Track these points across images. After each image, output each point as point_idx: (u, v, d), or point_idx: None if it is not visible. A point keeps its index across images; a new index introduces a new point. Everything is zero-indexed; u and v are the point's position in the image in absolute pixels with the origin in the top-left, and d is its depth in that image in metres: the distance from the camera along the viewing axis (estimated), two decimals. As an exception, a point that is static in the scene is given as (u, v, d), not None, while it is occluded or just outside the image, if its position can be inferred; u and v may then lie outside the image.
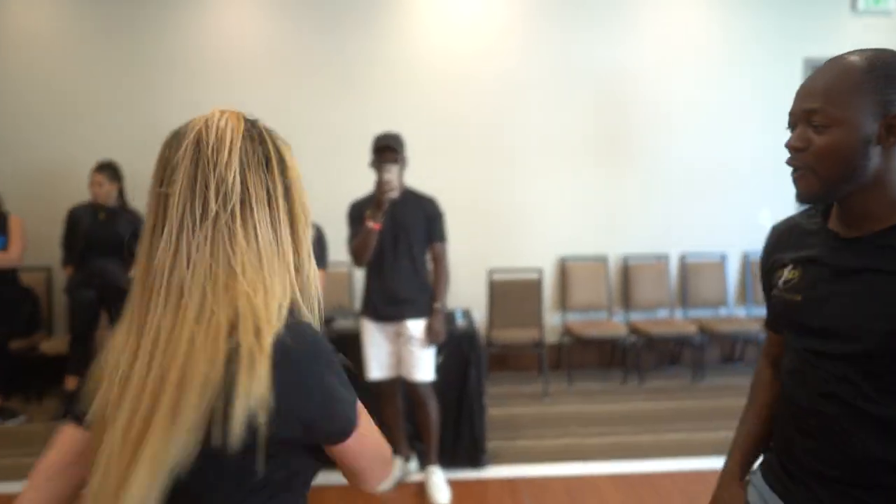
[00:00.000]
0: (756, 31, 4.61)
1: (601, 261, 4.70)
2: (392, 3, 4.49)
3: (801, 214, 1.14)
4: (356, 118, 4.37)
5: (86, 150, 4.29)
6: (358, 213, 2.83)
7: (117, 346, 0.83)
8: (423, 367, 2.84)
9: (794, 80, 4.58)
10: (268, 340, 0.74)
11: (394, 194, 2.64)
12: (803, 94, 1.00)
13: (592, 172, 4.65)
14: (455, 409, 3.13)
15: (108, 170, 3.85)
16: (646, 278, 4.68)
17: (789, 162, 1.01)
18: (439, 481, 2.85)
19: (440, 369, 2.96)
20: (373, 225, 2.67)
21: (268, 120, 0.96)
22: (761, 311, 4.42)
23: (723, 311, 4.76)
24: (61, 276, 4.44)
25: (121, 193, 3.95)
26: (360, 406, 0.87)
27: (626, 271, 4.69)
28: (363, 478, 0.94)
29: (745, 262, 4.78)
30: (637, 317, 4.67)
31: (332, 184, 3.74)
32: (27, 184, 4.38)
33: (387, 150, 2.76)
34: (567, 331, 4.53)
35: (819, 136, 0.96)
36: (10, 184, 4.19)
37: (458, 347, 3.14)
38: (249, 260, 0.79)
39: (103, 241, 3.82)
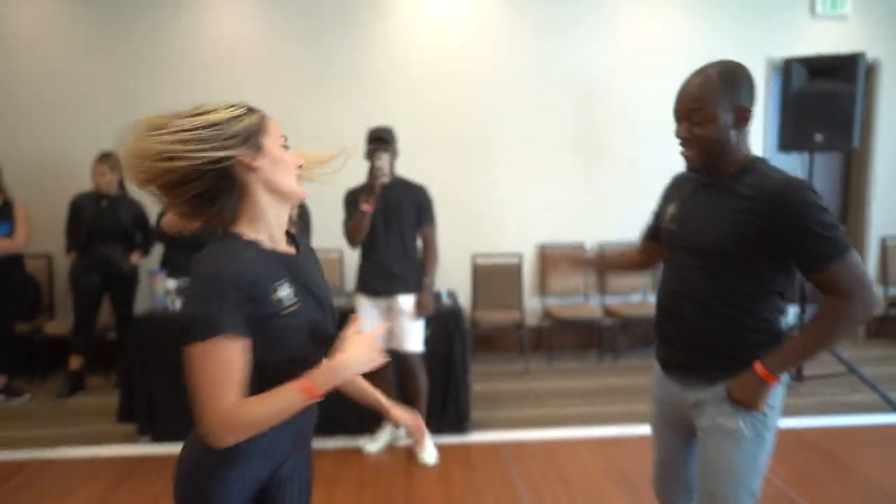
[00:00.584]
0: (720, 33, 4.91)
1: (578, 248, 4.98)
2: (378, 5, 4.72)
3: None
4: (346, 113, 4.60)
5: (85, 142, 4.46)
6: (353, 199, 3.08)
7: None
8: (413, 338, 3.09)
9: (756, 80, 4.90)
10: None
11: (385, 180, 2.90)
12: (683, 98, 1.47)
13: (570, 165, 4.92)
14: (442, 383, 3.38)
15: (110, 160, 4.03)
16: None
17: (681, 144, 1.51)
18: (428, 444, 3.10)
19: (427, 343, 3.21)
20: (366, 207, 2.92)
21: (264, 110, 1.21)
22: None
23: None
24: (62, 263, 4.61)
25: (121, 183, 4.13)
26: (210, 333, 1.05)
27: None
28: (194, 399, 1.08)
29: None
30: (612, 300, 4.96)
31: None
32: (28, 173, 4.54)
33: (379, 140, 3.03)
34: (547, 314, 4.80)
35: (698, 128, 1.45)
36: (13, 173, 4.34)
37: (443, 325, 3.38)
38: None
39: (106, 228, 4.01)
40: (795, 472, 2.87)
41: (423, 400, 3.16)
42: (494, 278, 4.75)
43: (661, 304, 1.62)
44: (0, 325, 3.90)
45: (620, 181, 4.94)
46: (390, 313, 3.10)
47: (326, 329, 1.21)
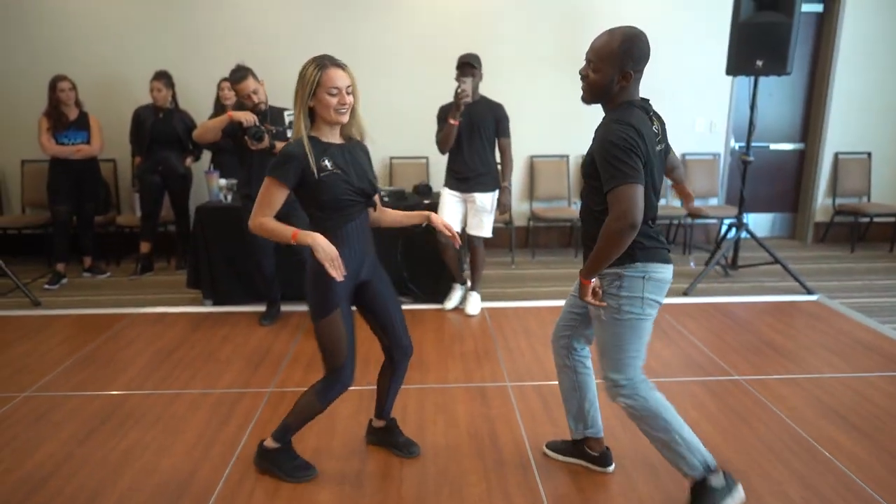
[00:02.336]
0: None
1: (563, 159, 5.72)
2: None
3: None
4: (360, 36, 5.27)
5: (141, 62, 5.21)
6: (443, 114, 3.87)
7: None
8: (485, 227, 3.97)
9: (724, 12, 5.44)
10: None
11: (467, 99, 3.65)
12: (591, 48, 1.86)
13: (556, 83, 5.58)
14: (440, 261, 4.25)
15: (164, 77, 4.78)
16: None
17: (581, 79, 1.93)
18: (475, 301, 4.07)
19: (427, 229, 4.07)
20: (453, 122, 3.71)
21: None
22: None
23: (661, 202, 5.84)
24: (124, 167, 5.48)
25: (174, 97, 4.89)
26: (272, 180, 1.96)
27: (584, 168, 5.72)
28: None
29: (682, 160, 5.81)
30: (591, 205, 5.75)
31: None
32: (93, 89, 5.31)
33: (465, 65, 3.74)
34: (533, 215, 5.62)
35: (591, 73, 1.87)
36: (80, 89, 5.12)
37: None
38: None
39: (163, 136, 4.82)
40: (706, 330, 3.76)
41: (480, 272, 4.10)
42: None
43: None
44: (84, 216, 4.80)
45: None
46: (468, 205, 3.97)
47: (358, 187, 2.06)
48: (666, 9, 5.48)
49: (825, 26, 5.73)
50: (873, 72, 5.69)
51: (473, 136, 3.84)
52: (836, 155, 5.89)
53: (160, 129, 4.80)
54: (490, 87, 5.72)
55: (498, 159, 3.98)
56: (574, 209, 5.70)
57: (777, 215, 6.25)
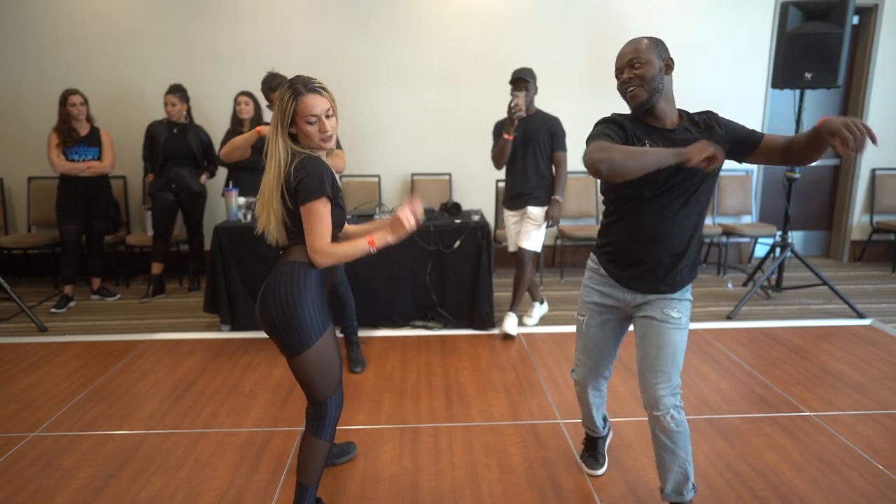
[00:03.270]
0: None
1: (590, 177, 5.49)
2: (414, -55, 5.09)
3: (619, 117, 1.88)
4: (380, 50, 5.07)
5: (153, 76, 5.01)
6: (498, 129, 3.75)
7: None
8: (533, 240, 3.81)
9: (762, 23, 5.26)
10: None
11: (521, 114, 3.50)
12: (624, 56, 1.81)
13: (582, 99, 5.38)
14: (471, 286, 4.01)
15: (179, 91, 4.57)
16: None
17: (626, 85, 1.82)
18: (512, 321, 3.89)
19: (460, 251, 3.83)
20: (507, 136, 3.55)
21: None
22: (725, 220, 5.37)
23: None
24: (135, 184, 5.26)
25: (188, 112, 4.68)
26: (324, 200, 1.77)
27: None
28: (308, 235, 1.80)
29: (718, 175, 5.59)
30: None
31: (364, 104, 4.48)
32: (104, 104, 5.11)
33: (519, 80, 3.62)
34: (560, 233, 5.39)
35: (638, 70, 1.79)
36: (91, 104, 4.92)
37: (472, 237, 3.98)
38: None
39: (178, 152, 4.60)
40: (761, 359, 3.51)
41: (523, 287, 3.90)
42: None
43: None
44: (94, 236, 4.57)
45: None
46: (522, 220, 3.82)
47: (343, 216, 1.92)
48: (699, 20, 5.30)
49: (861, 38, 5.54)
50: (911, 85, 5.50)
51: (528, 150, 3.70)
52: (874, 171, 5.68)
53: (174, 145, 4.58)
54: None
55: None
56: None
57: (811, 233, 6.02)
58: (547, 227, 3.80)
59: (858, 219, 5.75)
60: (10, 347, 3.74)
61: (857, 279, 5.21)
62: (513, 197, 3.81)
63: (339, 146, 3.45)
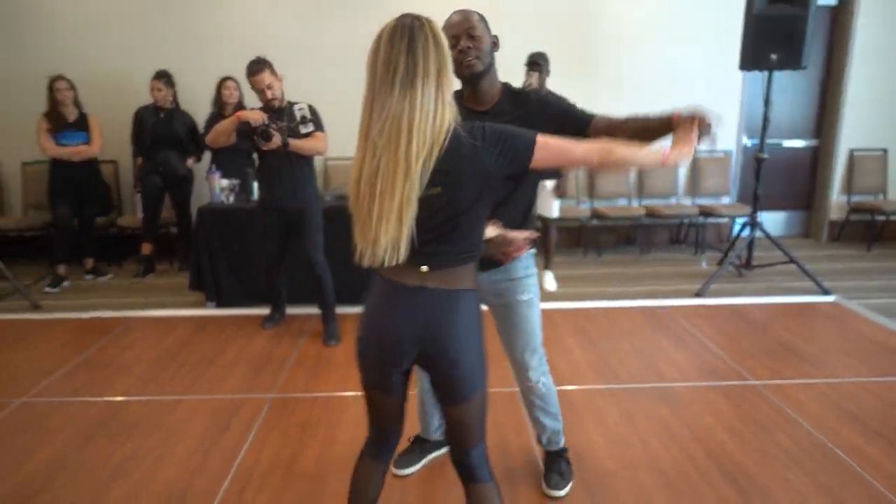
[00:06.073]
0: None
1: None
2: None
3: None
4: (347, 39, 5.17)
5: (140, 61, 5.14)
6: None
7: (357, 162, 1.43)
8: (549, 208, 4.41)
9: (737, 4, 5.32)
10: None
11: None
12: (457, 24, 1.76)
13: (563, 83, 5.47)
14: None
15: (164, 77, 4.71)
16: (609, 173, 5.61)
17: (463, 56, 1.75)
18: (551, 278, 4.52)
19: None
20: None
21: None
22: (704, 201, 5.49)
23: (672, 200, 5.73)
24: (125, 167, 5.42)
25: (174, 97, 4.82)
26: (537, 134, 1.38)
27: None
28: (572, 153, 1.40)
29: (695, 156, 5.69)
30: (600, 204, 5.65)
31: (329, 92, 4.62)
32: (92, 89, 5.25)
33: (533, 63, 4.06)
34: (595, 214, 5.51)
35: (476, 41, 1.75)
36: (80, 90, 5.05)
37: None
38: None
39: (164, 136, 4.75)
40: (721, 333, 3.65)
41: (552, 249, 4.58)
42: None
43: None
44: (86, 218, 4.74)
45: (612, 92, 5.48)
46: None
47: None
48: (674, 3, 5.37)
49: (839, 20, 5.59)
50: (889, 66, 5.56)
51: None
52: (852, 152, 5.75)
53: (161, 130, 4.73)
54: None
55: None
56: (583, 208, 5.59)
57: (790, 213, 6.12)
58: (557, 195, 4.36)
59: (836, 199, 5.84)
60: (4, 323, 3.93)
61: (832, 258, 5.32)
62: None
63: (321, 128, 3.54)
